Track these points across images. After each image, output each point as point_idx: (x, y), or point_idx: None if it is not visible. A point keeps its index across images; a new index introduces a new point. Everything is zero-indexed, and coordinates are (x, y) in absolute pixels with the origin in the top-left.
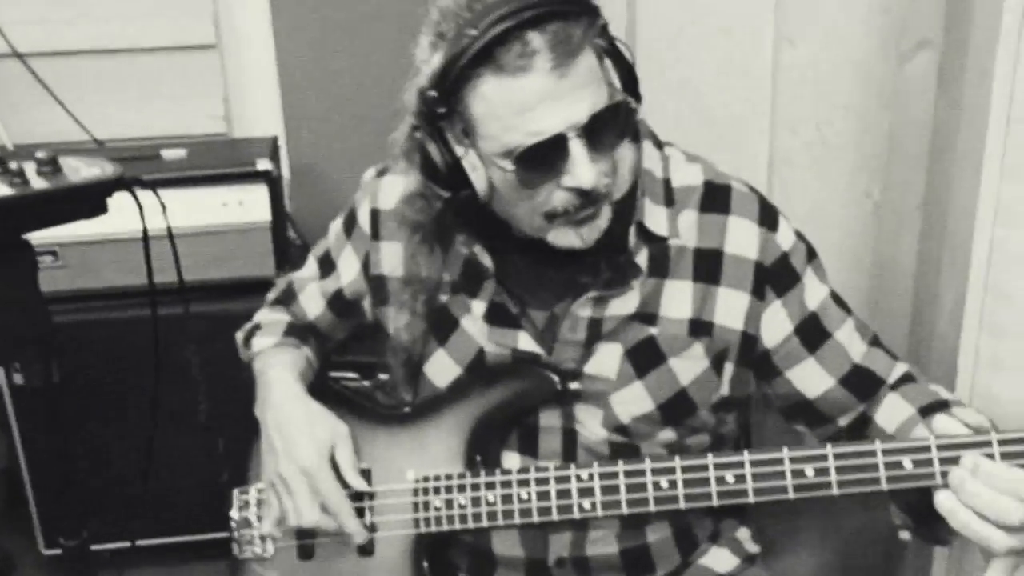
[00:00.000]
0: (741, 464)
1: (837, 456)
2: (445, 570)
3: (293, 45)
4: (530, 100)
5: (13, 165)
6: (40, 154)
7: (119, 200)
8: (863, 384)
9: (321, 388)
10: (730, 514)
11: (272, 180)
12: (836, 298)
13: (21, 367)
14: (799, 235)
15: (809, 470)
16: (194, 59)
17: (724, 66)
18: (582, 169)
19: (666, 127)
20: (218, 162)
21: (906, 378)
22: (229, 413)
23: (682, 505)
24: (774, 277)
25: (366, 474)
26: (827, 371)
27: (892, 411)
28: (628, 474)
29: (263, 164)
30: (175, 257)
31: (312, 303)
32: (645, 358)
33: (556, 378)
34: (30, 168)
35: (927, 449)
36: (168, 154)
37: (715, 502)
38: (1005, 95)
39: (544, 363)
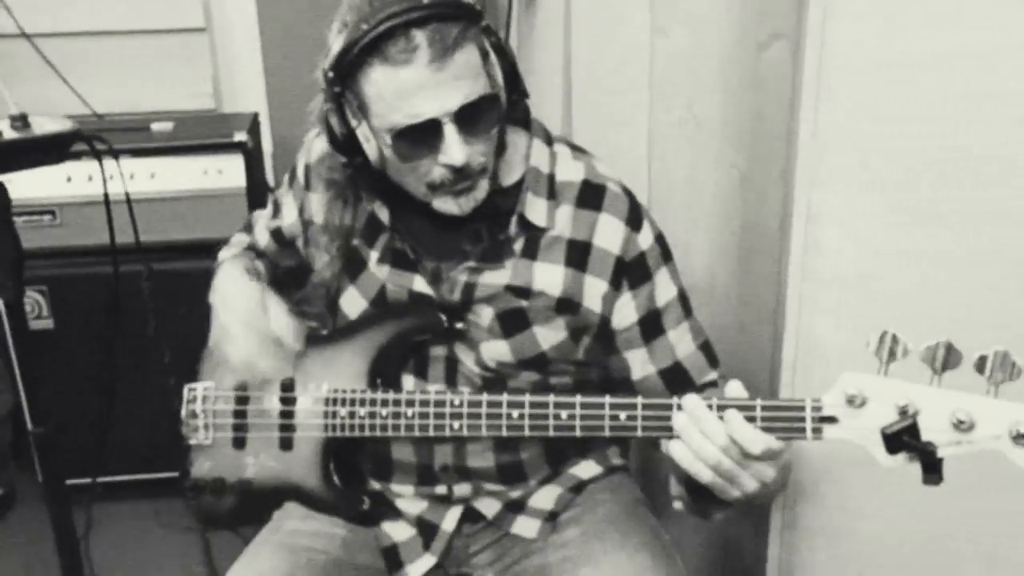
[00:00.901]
0: (573, 405)
1: (644, 407)
2: (352, 472)
3: (276, 29)
4: (410, 88)
5: None
6: (13, 112)
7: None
8: (676, 379)
9: None
10: (601, 438)
11: (248, 151)
12: (682, 299)
13: None
14: (659, 238)
15: (622, 415)
16: (186, 41)
17: (607, 54)
18: (453, 149)
19: (562, 107)
20: (200, 134)
21: (710, 384)
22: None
23: (527, 433)
24: (630, 271)
25: (291, 383)
26: (652, 361)
27: None
28: (489, 404)
29: (240, 136)
30: (131, 219)
31: (261, 234)
32: (512, 323)
33: (443, 316)
34: (4, 124)
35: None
36: (156, 127)
37: (551, 433)
38: (813, 78)
39: (434, 303)
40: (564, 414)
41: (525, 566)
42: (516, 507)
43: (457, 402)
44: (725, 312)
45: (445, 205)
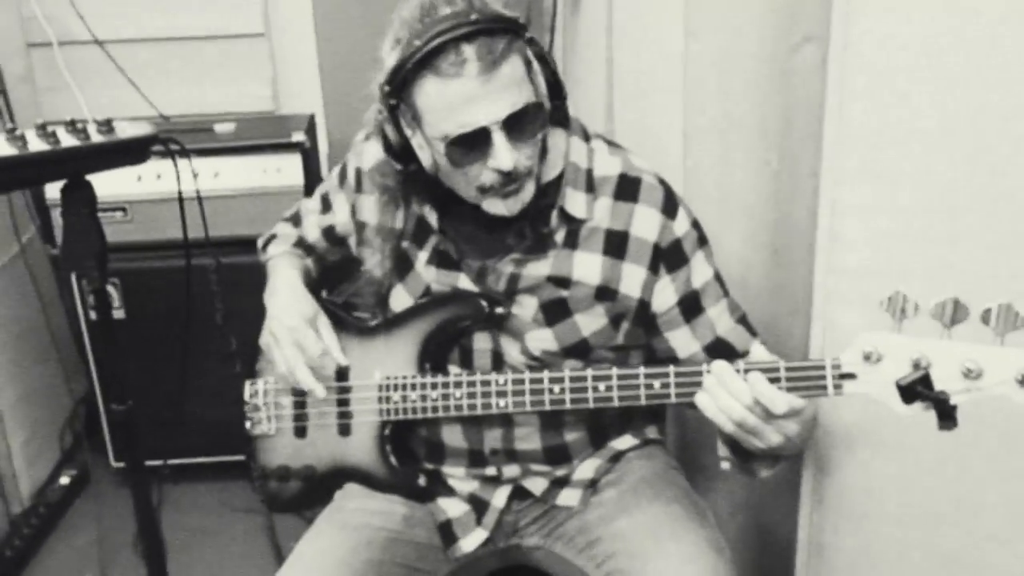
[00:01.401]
0: (610, 377)
1: (676, 374)
2: (407, 455)
3: (332, 34)
4: (461, 99)
5: (79, 125)
6: (98, 117)
7: (182, 168)
8: (721, 354)
9: (324, 308)
10: (640, 417)
11: (305, 150)
12: (718, 280)
13: (82, 275)
14: (695, 224)
15: (656, 383)
16: (246, 46)
17: (645, 57)
18: (502, 154)
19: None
20: (260, 134)
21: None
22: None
23: (568, 406)
24: (667, 257)
25: (345, 372)
26: (696, 338)
27: None
28: (532, 380)
29: (298, 136)
30: (202, 216)
31: (311, 230)
32: (555, 312)
33: (485, 303)
34: (92, 128)
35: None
36: (220, 127)
37: (591, 404)
38: (837, 78)
39: (476, 292)
40: (602, 386)
41: (567, 527)
42: (561, 483)
43: (502, 381)
44: (758, 304)
45: (494, 207)
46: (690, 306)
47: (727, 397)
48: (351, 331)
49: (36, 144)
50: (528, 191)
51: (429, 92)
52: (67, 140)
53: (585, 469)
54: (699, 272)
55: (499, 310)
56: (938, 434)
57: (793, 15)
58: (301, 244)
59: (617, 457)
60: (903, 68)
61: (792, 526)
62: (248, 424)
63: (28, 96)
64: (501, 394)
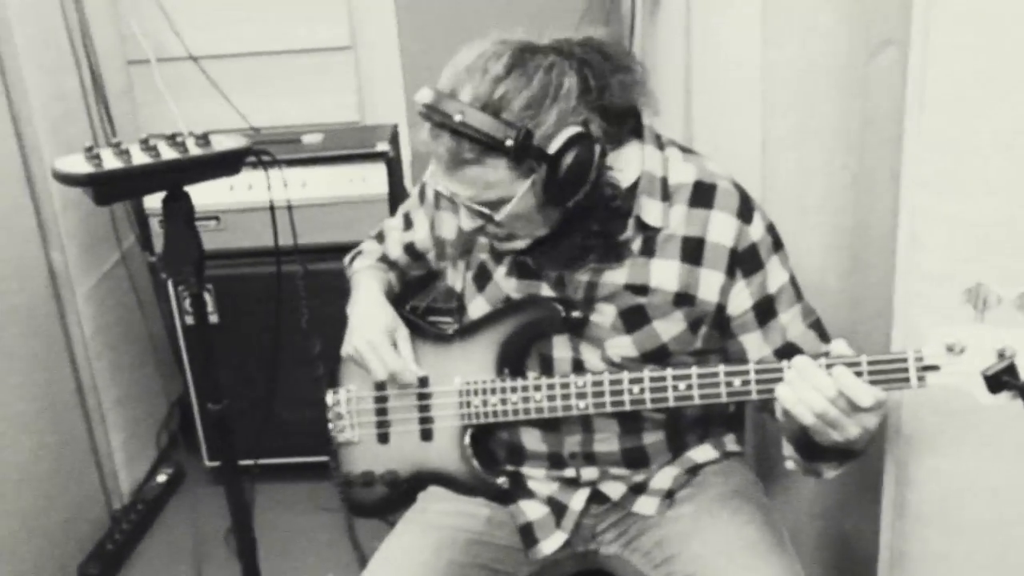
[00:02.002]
0: (690, 376)
1: (757, 371)
2: (489, 459)
3: (414, 47)
4: (434, 168)
5: (179, 139)
6: (193, 130)
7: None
8: (790, 356)
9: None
10: (719, 423)
11: (389, 160)
12: (793, 284)
13: (180, 280)
14: (770, 228)
15: (737, 381)
16: (332, 59)
17: (721, 65)
18: (463, 219)
19: (683, 114)
20: (346, 145)
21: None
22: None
23: (648, 406)
24: (744, 262)
25: (425, 379)
26: (767, 342)
27: None
28: (612, 381)
29: (382, 146)
30: (291, 224)
31: (394, 246)
32: (634, 319)
33: (561, 307)
34: (190, 141)
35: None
36: (307, 138)
37: (671, 403)
38: (917, 82)
39: (553, 297)
40: (682, 384)
41: (644, 540)
42: (639, 489)
43: (581, 383)
44: (838, 311)
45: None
46: (764, 310)
47: (809, 389)
48: (430, 339)
49: (139, 157)
50: (517, 244)
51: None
52: (168, 153)
53: (663, 478)
54: (774, 277)
55: (575, 314)
56: None
57: (872, 20)
58: (384, 260)
59: (695, 470)
60: (984, 72)
61: (873, 534)
62: (332, 432)
63: (128, 111)
64: (581, 396)
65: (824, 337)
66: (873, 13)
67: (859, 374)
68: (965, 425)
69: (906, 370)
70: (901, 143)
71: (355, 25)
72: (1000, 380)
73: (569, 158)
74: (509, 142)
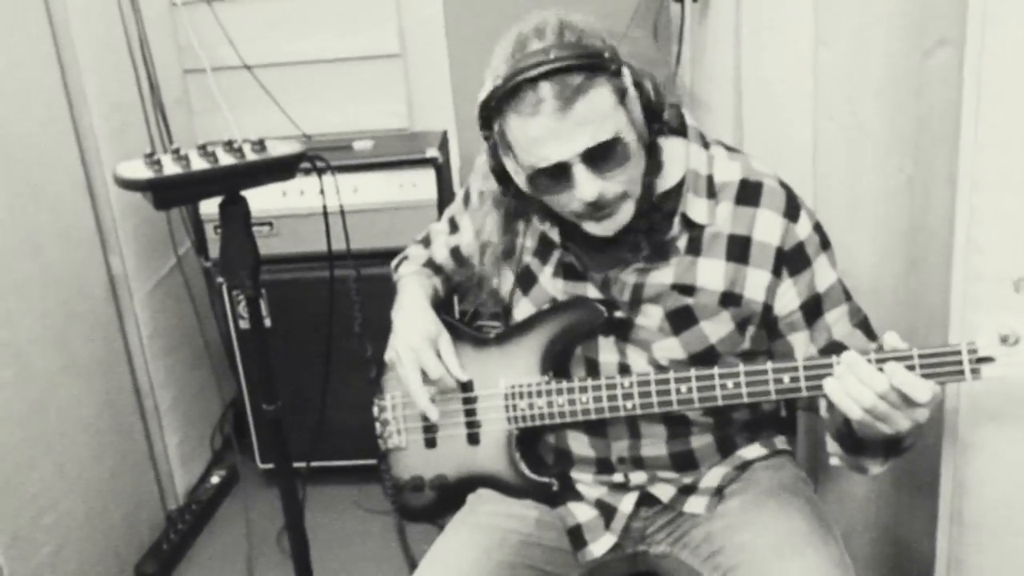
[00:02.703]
0: (738, 374)
1: (806, 367)
2: (536, 461)
3: (463, 54)
4: (539, 135)
5: (236, 145)
6: (253, 138)
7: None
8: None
9: (447, 323)
10: (769, 426)
11: (438, 166)
12: (840, 284)
13: (236, 284)
14: (817, 227)
15: (786, 378)
16: (383, 66)
17: (773, 63)
18: (584, 187)
19: (733, 116)
20: (396, 151)
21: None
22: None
23: (696, 405)
24: (790, 260)
25: (470, 383)
26: (813, 341)
27: None
28: (658, 381)
29: (431, 152)
30: (344, 229)
31: (440, 250)
32: (681, 320)
33: (603, 308)
34: (247, 147)
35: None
36: (358, 145)
37: (720, 402)
38: (973, 82)
39: (596, 298)
40: (730, 383)
41: (693, 535)
42: (689, 490)
43: (627, 383)
44: (893, 314)
45: (591, 228)
46: (811, 309)
47: (857, 383)
48: (474, 343)
49: (198, 163)
50: (625, 212)
51: (512, 127)
52: (225, 159)
53: (712, 476)
54: (822, 275)
55: (618, 314)
56: None
57: (926, 18)
58: (430, 264)
59: (745, 466)
60: None
61: (929, 542)
62: (380, 440)
63: (185, 119)
64: (627, 396)
65: (871, 337)
66: (927, 12)
67: (911, 368)
68: (1022, 432)
69: (960, 362)
70: (956, 144)
71: (404, 33)
72: None
73: (648, 81)
74: (607, 53)
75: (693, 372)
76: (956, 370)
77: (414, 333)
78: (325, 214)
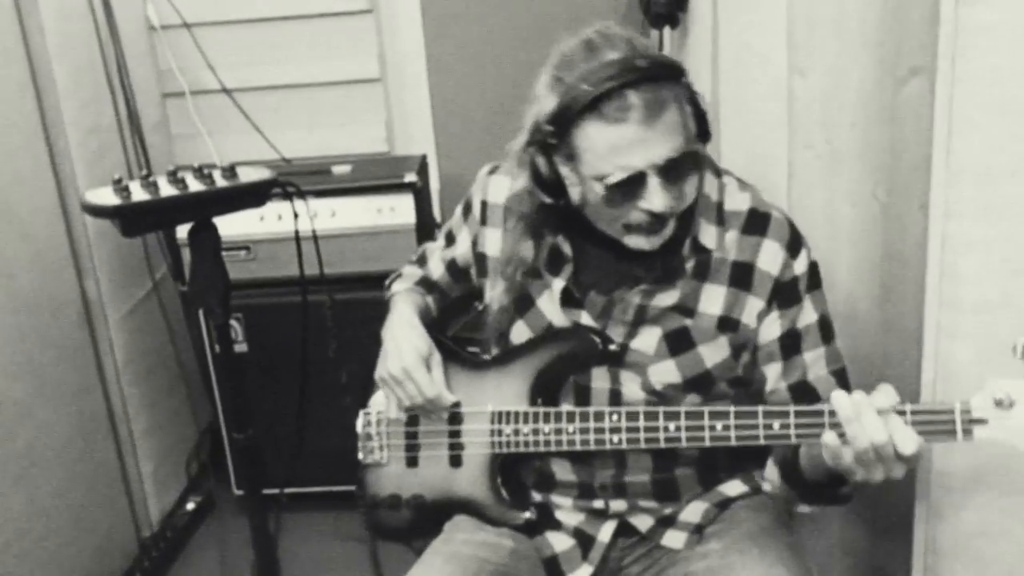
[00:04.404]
0: (728, 415)
1: (797, 414)
2: (517, 486)
3: (443, 79)
4: (622, 143)
5: (206, 171)
6: (227, 161)
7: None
8: (803, 397)
9: (439, 342)
10: (752, 459)
11: (417, 190)
12: (823, 325)
13: (207, 311)
14: (812, 266)
15: (776, 424)
16: (363, 91)
17: (749, 93)
18: (656, 198)
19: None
20: (375, 175)
21: None
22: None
23: (683, 444)
24: (783, 293)
25: (457, 404)
26: (784, 376)
27: None
28: (647, 415)
29: (410, 177)
30: (317, 254)
31: (436, 265)
32: (679, 343)
33: (598, 339)
34: (217, 173)
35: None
36: (337, 169)
37: (707, 443)
38: (944, 111)
39: (591, 328)
40: (719, 424)
41: (671, 574)
42: (667, 522)
43: (616, 417)
44: (867, 340)
45: (636, 242)
46: (789, 344)
47: (859, 427)
48: (464, 365)
49: (167, 190)
50: (670, 228)
51: (591, 134)
52: (195, 185)
53: (692, 512)
54: (806, 314)
55: (612, 347)
56: None
57: (899, 48)
58: (424, 282)
59: (726, 504)
60: (1013, 100)
61: (904, 571)
62: (360, 453)
63: (164, 143)
64: (615, 430)
65: (846, 387)
66: (900, 42)
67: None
68: (997, 464)
69: (952, 421)
70: (929, 172)
71: (385, 58)
72: None
73: (697, 96)
74: (683, 67)
75: (683, 410)
76: (948, 429)
77: (405, 351)
78: (297, 239)
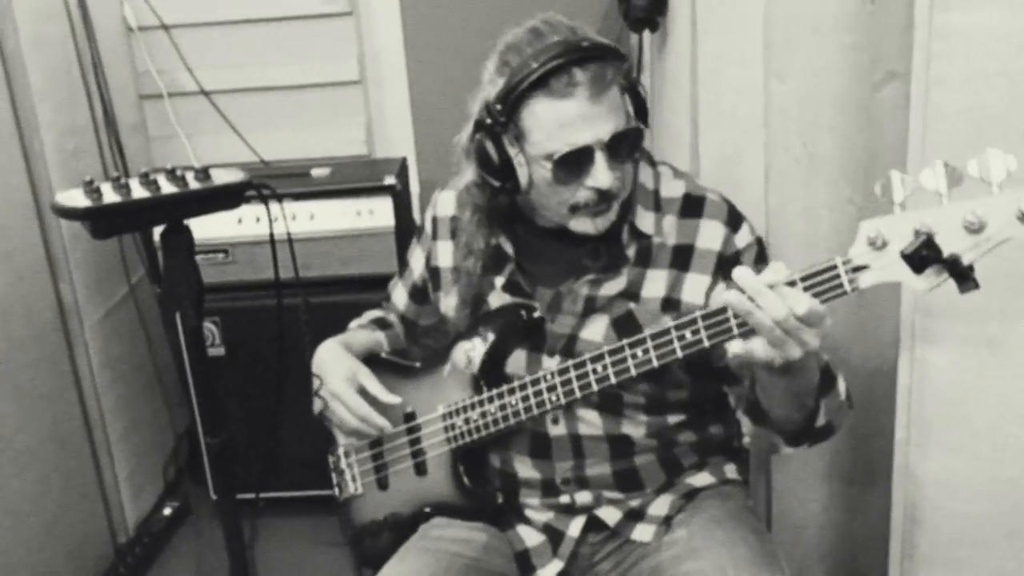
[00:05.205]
0: (645, 340)
1: (704, 317)
2: (484, 487)
3: (424, 82)
4: (569, 119)
5: (179, 173)
6: (197, 166)
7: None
8: None
9: (375, 359)
10: (718, 452)
11: (396, 193)
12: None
13: (181, 315)
14: (758, 241)
15: (688, 332)
16: (343, 94)
17: (728, 96)
18: (602, 174)
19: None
20: (354, 178)
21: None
22: None
23: (613, 380)
24: (728, 266)
25: (412, 414)
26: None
27: None
28: (576, 366)
29: (389, 180)
30: (292, 257)
31: (400, 298)
32: (625, 327)
33: (522, 312)
34: (190, 175)
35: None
36: (316, 172)
37: (633, 372)
38: (920, 117)
39: (511, 304)
40: (639, 351)
41: (641, 567)
42: (636, 515)
43: (548, 376)
44: (843, 343)
45: (582, 225)
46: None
47: (760, 313)
48: (408, 375)
49: (139, 192)
50: (615, 211)
51: (537, 112)
52: (167, 187)
53: (660, 505)
54: None
55: (535, 315)
56: None
57: (875, 53)
58: (379, 321)
59: (692, 495)
60: (987, 103)
61: (881, 574)
62: (337, 490)
63: (141, 145)
64: (551, 388)
65: None
66: (876, 47)
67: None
68: (975, 467)
69: (838, 276)
70: None
71: (364, 60)
72: (920, 256)
73: (636, 82)
74: (620, 50)
75: (606, 348)
76: (836, 284)
77: (331, 378)
78: (272, 242)
